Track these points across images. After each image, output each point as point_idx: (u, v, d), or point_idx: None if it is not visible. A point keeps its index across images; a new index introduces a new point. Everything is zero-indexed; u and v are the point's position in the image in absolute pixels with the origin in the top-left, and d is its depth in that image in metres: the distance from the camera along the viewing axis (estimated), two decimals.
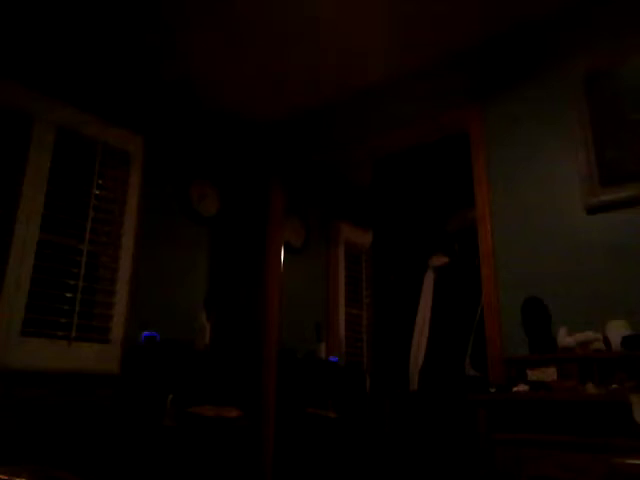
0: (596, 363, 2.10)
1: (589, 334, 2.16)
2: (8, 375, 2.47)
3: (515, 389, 2.11)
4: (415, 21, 2.79)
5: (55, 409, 2.60)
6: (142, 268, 3.15)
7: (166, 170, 3.45)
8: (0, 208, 2.58)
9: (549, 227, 2.49)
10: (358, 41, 2.95)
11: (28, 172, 2.68)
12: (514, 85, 2.76)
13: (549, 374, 2.17)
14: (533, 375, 2.21)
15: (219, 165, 3.84)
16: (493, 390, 2.17)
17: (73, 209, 2.87)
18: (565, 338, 2.21)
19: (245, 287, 3.59)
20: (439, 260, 3.81)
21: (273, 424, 3.20)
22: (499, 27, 2.83)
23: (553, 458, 1.88)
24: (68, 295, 2.76)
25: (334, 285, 4.64)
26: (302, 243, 4.45)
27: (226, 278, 3.67)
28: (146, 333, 2.98)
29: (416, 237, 4.07)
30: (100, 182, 3.03)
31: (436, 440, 3.52)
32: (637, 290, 2.19)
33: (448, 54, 3.04)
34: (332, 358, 4.24)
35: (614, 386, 1.91)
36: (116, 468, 2.73)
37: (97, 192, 2.99)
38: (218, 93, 3.53)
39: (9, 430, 2.42)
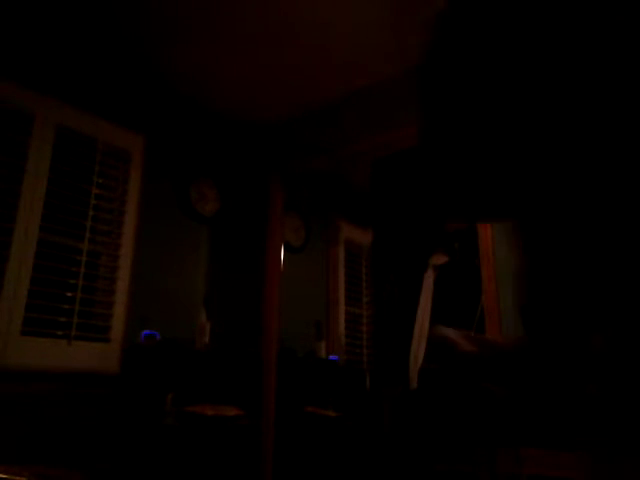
0: None
1: None
2: (8, 374, 2.48)
3: None
4: (415, 20, 2.79)
5: (55, 408, 2.60)
6: (142, 267, 3.15)
7: (166, 169, 3.45)
8: (0, 207, 2.58)
9: None
10: (358, 41, 2.95)
11: (28, 171, 2.68)
12: None
13: None
14: None
15: (219, 165, 3.84)
16: None
17: (73, 208, 2.87)
18: None
19: (245, 286, 3.59)
20: (439, 259, 3.80)
21: (273, 423, 3.20)
22: None
23: (552, 457, 1.89)
24: (68, 294, 2.76)
25: (334, 284, 4.64)
26: (302, 242, 4.45)
27: (226, 277, 3.67)
28: (146, 332, 2.98)
29: (416, 236, 4.07)
30: (100, 181, 3.03)
31: (437, 439, 3.52)
32: None
33: None
34: (332, 357, 4.24)
35: None
36: (116, 467, 2.73)
37: (97, 191, 2.99)
38: (218, 93, 3.53)
39: (9, 429, 2.42)
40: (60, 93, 2.90)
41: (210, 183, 3.69)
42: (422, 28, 2.85)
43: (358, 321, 4.84)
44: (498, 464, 2.02)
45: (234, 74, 3.30)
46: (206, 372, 3.13)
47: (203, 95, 3.56)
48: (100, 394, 2.80)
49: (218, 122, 3.87)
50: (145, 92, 3.38)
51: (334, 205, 4.87)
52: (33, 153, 2.71)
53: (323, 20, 2.80)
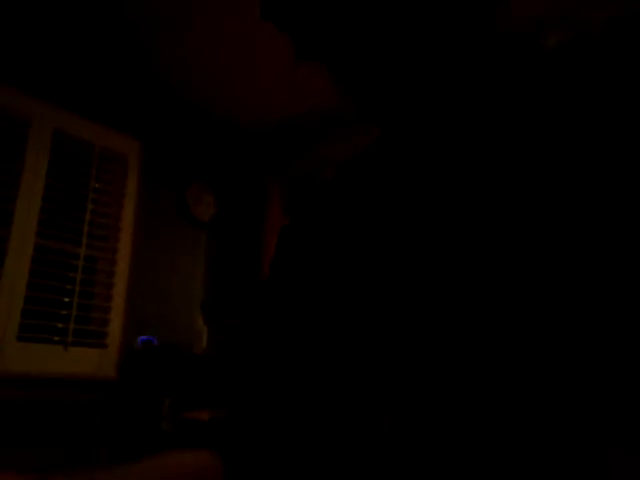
0: None
1: None
2: (3, 380, 2.46)
3: None
4: None
5: (51, 414, 2.58)
6: (139, 272, 3.14)
7: (163, 174, 3.44)
8: None
9: None
10: None
11: (24, 176, 2.66)
12: None
13: None
14: None
15: (215, 169, 3.83)
16: None
17: (70, 213, 2.86)
18: None
19: (242, 291, 3.58)
20: None
21: None
22: None
23: None
24: (65, 299, 2.75)
25: None
26: None
27: (223, 282, 3.66)
28: (143, 337, 2.97)
29: None
30: (97, 186, 3.02)
31: None
32: None
33: None
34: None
35: None
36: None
37: (94, 196, 2.97)
38: (215, 97, 3.53)
39: (4, 435, 2.41)
40: (58, 98, 2.88)
41: (206, 187, 3.68)
42: None
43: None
44: None
45: (228, 81, 3.30)
46: (204, 377, 3.12)
47: (199, 100, 3.56)
48: (97, 400, 2.79)
49: (214, 126, 3.86)
50: (142, 96, 3.37)
51: None
52: (30, 158, 2.70)
53: None
